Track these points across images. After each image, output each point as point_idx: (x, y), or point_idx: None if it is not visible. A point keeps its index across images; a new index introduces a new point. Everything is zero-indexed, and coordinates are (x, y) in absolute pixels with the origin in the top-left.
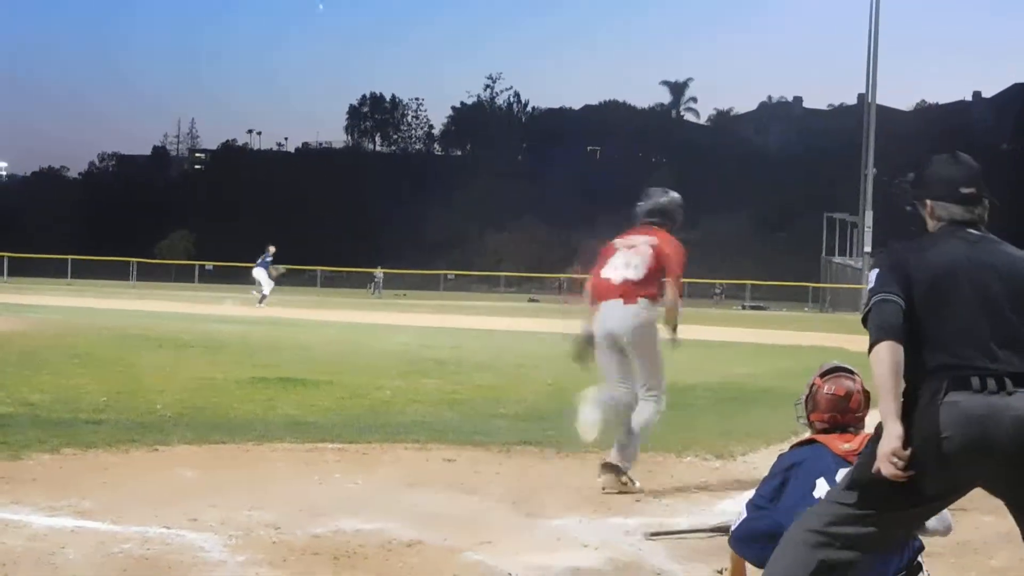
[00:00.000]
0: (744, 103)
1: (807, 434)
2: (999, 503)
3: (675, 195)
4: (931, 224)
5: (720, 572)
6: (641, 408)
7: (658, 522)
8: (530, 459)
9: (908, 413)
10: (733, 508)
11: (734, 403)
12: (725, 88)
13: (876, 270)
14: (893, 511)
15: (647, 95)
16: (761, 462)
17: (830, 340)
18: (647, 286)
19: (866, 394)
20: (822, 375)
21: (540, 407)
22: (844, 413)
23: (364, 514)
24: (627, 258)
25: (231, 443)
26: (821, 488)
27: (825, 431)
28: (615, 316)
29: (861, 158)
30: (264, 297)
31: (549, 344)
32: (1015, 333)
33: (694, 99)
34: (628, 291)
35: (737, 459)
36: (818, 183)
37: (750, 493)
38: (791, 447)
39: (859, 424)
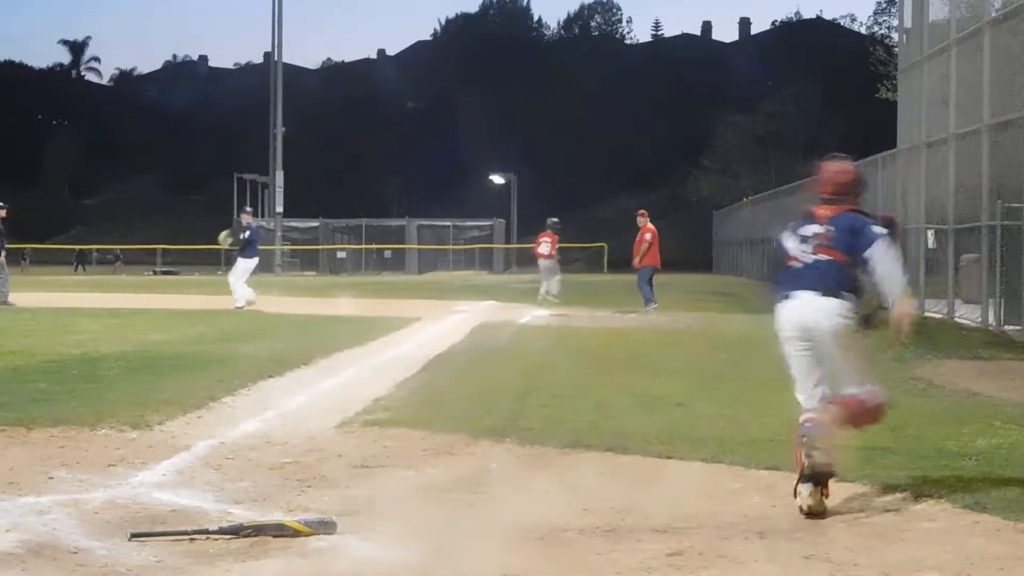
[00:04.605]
0: (148, 63)
1: None
2: None
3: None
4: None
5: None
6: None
7: (72, 499)
8: None
9: None
10: (151, 479)
11: (148, 371)
12: (128, 47)
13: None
14: None
15: (44, 56)
16: (178, 430)
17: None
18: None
19: None
20: None
21: None
22: None
23: None
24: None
25: None
26: None
27: None
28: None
29: (270, 117)
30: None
31: None
32: None
33: (96, 59)
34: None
35: (154, 428)
36: (228, 143)
37: (170, 462)
38: None
39: None
